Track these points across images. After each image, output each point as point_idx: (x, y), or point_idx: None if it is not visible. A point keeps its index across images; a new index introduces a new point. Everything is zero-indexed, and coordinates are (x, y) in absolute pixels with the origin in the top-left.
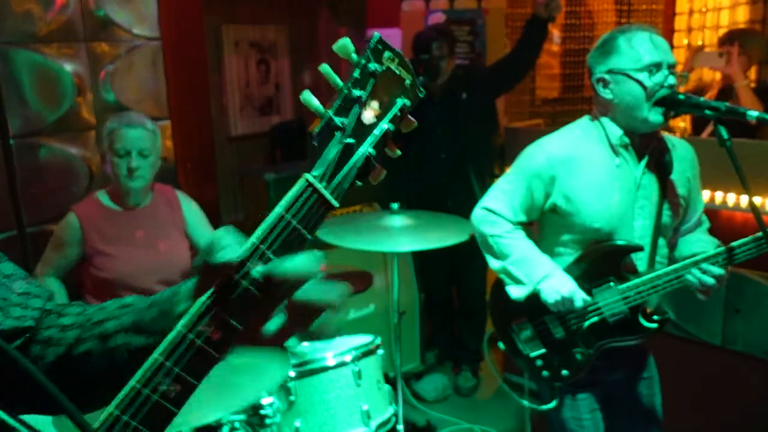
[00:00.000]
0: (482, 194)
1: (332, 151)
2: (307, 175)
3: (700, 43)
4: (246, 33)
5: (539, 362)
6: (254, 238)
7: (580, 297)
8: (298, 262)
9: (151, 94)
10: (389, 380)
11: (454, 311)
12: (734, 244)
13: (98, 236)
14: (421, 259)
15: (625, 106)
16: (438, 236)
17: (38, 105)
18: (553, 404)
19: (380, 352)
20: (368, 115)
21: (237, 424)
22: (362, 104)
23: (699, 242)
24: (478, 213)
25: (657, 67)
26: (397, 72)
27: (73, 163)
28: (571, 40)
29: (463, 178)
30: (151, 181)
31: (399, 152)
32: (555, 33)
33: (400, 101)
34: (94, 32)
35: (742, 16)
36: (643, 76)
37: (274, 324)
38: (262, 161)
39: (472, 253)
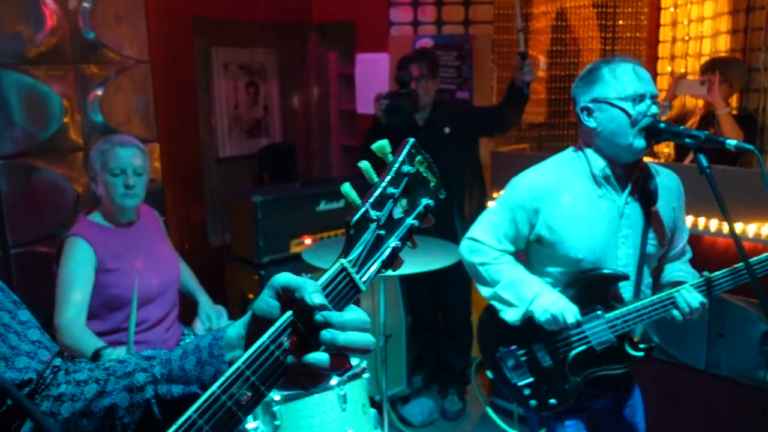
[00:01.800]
0: (462, 220)
1: (365, 240)
2: (343, 261)
3: (683, 70)
4: (235, 56)
5: (527, 391)
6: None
7: (571, 313)
8: (358, 314)
9: (140, 115)
10: (375, 404)
11: (440, 332)
12: (714, 275)
13: (108, 253)
14: (405, 279)
15: (609, 133)
16: (425, 260)
17: (26, 126)
18: None
19: (366, 375)
20: (398, 211)
21: None
22: (395, 201)
23: (680, 272)
24: (465, 244)
25: (641, 98)
26: (425, 174)
27: (60, 184)
28: (557, 66)
29: (444, 205)
30: (143, 198)
31: (418, 246)
32: (541, 59)
33: (425, 201)
34: (83, 54)
35: (724, 45)
36: (627, 105)
37: (316, 357)
38: (249, 183)
39: (455, 273)
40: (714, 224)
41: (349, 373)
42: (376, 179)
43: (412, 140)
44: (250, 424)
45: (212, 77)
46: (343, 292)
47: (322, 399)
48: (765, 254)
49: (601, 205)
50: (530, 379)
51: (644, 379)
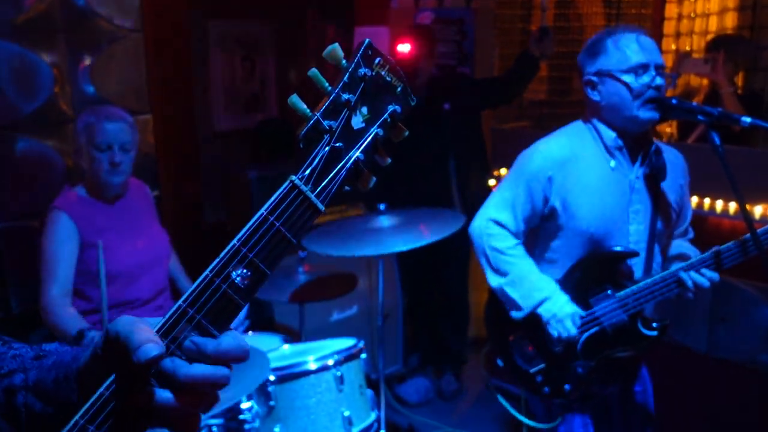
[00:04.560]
0: (463, 200)
1: (319, 154)
2: (293, 177)
3: (688, 48)
4: (232, 28)
5: (540, 378)
6: (236, 240)
7: (579, 320)
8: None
9: (132, 87)
10: (371, 382)
11: (436, 311)
12: (722, 247)
13: (90, 227)
14: (402, 255)
15: (612, 106)
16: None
17: (14, 96)
18: (555, 423)
19: (363, 356)
20: (357, 120)
21: (215, 429)
22: (351, 108)
23: (682, 246)
24: (480, 224)
25: (644, 68)
26: (388, 78)
27: (50, 156)
28: (560, 43)
29: (445, 184)
30: (130, 175)
31: (389, 160)
32: None
33: (391, 107)
34: (73, 22)
35: (731, 22)
36: (629, 78)
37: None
38: (245, 158)
39: (453, 249)
40: (719, 205)
41: (346, 354)
42: (328, 87)
43: (367, 40)
44: (244, 404)
45: (208, 50)
46: (298, 214)
47: (319, 380)
48: None
49: (612, 178)
50: (542, 366)
51: (645, 361)
